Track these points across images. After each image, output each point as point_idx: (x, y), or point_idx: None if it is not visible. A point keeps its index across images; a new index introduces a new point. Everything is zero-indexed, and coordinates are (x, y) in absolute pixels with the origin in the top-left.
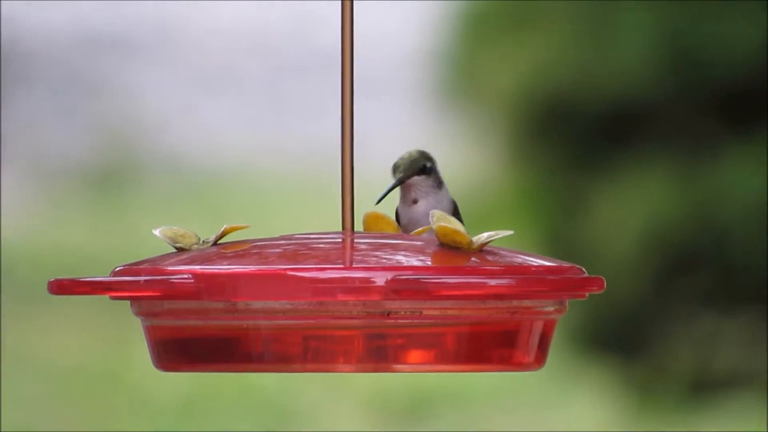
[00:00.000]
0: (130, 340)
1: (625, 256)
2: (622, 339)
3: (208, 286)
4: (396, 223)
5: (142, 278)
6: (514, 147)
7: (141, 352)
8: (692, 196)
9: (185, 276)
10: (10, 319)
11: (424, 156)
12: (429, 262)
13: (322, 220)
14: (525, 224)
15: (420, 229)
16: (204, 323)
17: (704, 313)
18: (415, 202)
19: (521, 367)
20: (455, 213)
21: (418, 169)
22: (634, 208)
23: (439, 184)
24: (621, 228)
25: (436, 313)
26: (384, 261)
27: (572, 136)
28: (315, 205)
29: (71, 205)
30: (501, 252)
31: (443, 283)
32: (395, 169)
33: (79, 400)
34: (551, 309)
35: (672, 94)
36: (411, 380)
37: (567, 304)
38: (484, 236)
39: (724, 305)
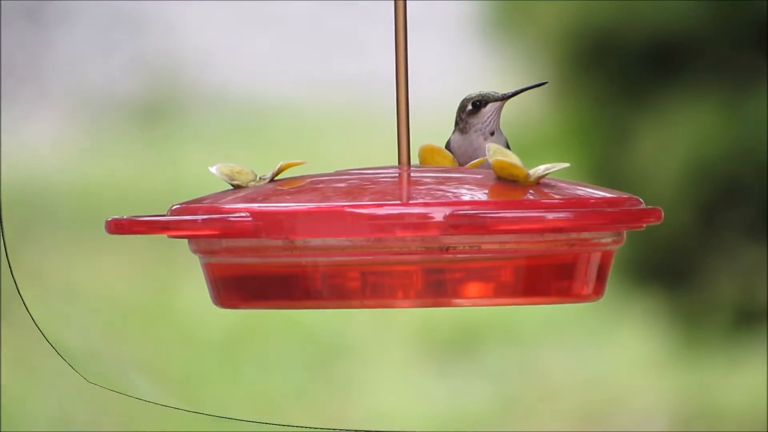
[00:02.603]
0: (175, 275)
1: (669, 189)
2: (668, 271)
3: (266, 224)
4: (451, 155)
5: (200, 217)
6: (560, 81)
7: (185, 287)
8: (736, 128)
9: (243, 214)
10: (55, 257)
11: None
12: (487, 197)
13: (370, 154)
14: (571, 158)
15: (476, 161)
16: (262, 261)
17: (749, 245)
18: (492, 133)
19: (581, 298)
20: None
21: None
22: (679, 140)
23: None
24: (666, 160)
25: (495, 247)
26: (441, 196)
27: (617, 70)
28: (360, 139)
29: (115, 142)
30: (558, 184)
31: (502, 217)
32: (484, 97)
33: (123, 335)
34: (609, 240)
35: (715, 27)
36: (457, 315)
37: (625, 234)
38: (540, 169)
39: None
